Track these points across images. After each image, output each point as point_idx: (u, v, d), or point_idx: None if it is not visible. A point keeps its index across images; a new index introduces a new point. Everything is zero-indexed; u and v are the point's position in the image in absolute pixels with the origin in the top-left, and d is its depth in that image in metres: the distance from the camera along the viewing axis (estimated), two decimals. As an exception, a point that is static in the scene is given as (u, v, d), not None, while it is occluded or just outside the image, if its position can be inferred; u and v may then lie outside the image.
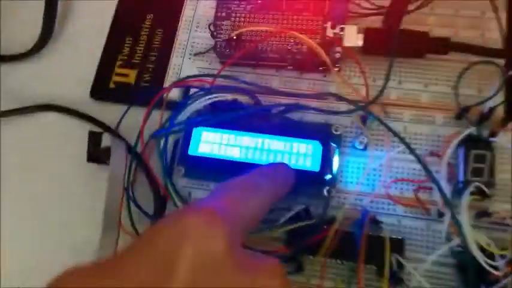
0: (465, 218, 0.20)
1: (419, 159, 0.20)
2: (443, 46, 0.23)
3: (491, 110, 0.22)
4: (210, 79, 0.24)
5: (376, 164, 0.23)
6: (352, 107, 0.23)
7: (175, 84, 0.24)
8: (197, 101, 0.23)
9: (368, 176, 0.23)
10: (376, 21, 0.25)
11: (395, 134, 0.21)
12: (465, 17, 0.25)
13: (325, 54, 0.23)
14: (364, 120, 0.23)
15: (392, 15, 0.22)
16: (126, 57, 0.28)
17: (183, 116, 0.24)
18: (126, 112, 0.25)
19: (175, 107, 0.24)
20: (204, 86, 0.24)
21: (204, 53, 0.26)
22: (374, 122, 0.23)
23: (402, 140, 0.21)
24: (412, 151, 0.21)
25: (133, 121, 0.25)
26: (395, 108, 0.24)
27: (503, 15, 0.25)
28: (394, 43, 0.22)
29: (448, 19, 0.25)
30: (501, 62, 0.23)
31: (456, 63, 0.24)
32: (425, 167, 0.20)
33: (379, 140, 0.23)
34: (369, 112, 0.22)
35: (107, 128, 0.25)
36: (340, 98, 0.23)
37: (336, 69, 0.25)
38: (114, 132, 0.25)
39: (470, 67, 0.22)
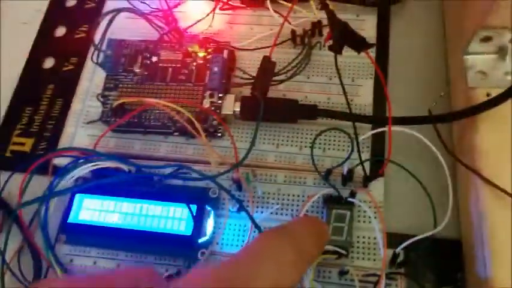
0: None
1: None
2: (312, 112, 0.25)
3: (349, 171, 0.23)
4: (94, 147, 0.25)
5: (248, 225, 0.24)
6: (221, 170, 0.24)
7: (59, 152, 0.26)
8: (80, 168, 0.24)
9: (243, 237, 0.24)
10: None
11: (237, 200, 0.23)
12: (337, 84, 0.27)
13: (198, 124, 0.24)
14: (237, 182, 0.24)
15: (257, 85, 0.24)
16: (24, 126, 0.29)
17: (65, 183, 0.24)
18: (8, 179, 0.25)
19: (56, 173, 0.25)
20: (89, 154, 0.25)
21: (95, 121, 0.27)
22: (251, 184, 0.25)
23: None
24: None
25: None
26: (271, 170, 0.25)
27: (370, 82, 0.27)
28: (260, 110, 0.24)
29: (322, 86, 0.27)
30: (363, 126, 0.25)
31: (326, 127, 0.26)
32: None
33: (254, 201, 0.25)
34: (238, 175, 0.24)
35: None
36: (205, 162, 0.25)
37: (219, 134, 0.26)
38: (2, 203, 0.25)
39: (331, 132, 0.24)
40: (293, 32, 0.28)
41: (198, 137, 0.26)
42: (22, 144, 0.28)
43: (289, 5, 0.28)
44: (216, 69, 0.26)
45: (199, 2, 0.29)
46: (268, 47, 0.27)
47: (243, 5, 0.30)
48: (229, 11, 0.30)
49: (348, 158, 0.23)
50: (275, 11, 0.28)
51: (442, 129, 0.23)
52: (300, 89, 0.27)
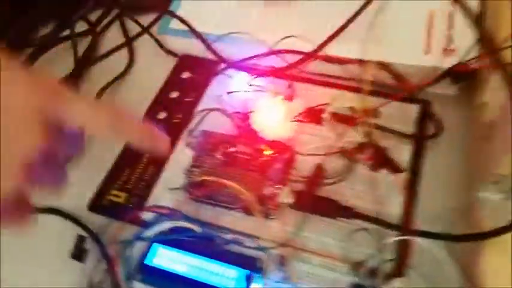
0: None
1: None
2: (349, 213, 0.32)
3: (376, 267, 0.29)
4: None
5: (286, 294, 0.29)
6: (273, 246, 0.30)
7: (148, 209, 0.33)
8: (161, 224, 0.31)
9: (280, 305, 0.29)
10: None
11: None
12: (372, 194, 0.34)
13: (257, 206, 0.31)
14: (281, 259, 0.30)
15: (309, 184, 0.31)
16: (122, 183, 0.37)
17: (149, 234, 0.31)
18: (109, 225, 0.33)
19: (145, 225, 0.32)
20: (170, 213, 0.33)
21: (178, 188, 0.35)
22: (289, 262, 0.31)
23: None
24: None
25: (114, 232, 0.33)
26: (309, 254, 0.31)
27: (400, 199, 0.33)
28: (308, 205, 0.30)
29: (359, 193, 0.34)
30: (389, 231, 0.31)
31: (360, 227, 0.32)
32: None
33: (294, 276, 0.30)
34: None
35: (91, 234, 0.33)
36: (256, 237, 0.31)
37: (272, 217, 0.33)
38: (96, 238, 0.32)
39: (363, 232, 0.30)
40: (343, 148, 0.36)
41: (255, 216, 0.33)
42: (118, 196, 0.36)
43: (343, 125, 0.36)
44: (278, 165, 0.34)
45: (273, 111, 0.38)
46: (321, 154, 0.34)
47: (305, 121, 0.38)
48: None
49: (374, 255, 0.28)
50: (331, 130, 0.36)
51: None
52: (343, 193, 0.34)
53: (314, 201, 0.31)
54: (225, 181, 0.33)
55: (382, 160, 0.29)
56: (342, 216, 0.32)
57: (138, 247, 0.32)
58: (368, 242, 0.31)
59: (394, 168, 0.28)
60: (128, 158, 0.38)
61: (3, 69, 0.20)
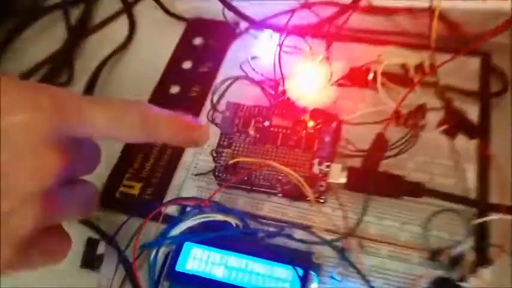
0: None
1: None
2: (417, 190, 0.26)
3: (461, 255, 0.23)
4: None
5: (351, 296, 0.24)
6: (331, 237, 0.24)
7: (172, 202, 0.27)
8: (191, 219, 0.26)
9: (343, 307, 0.24)
10: (357, 162, 0.28)
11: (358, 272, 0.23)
12: (440, 165, 0.28)
13: (308, 188, 0.25)
14: (342, 252, 0.25)
15: (370, 158, 0.25)
16: (135, 171, 0.31)
17: (176, 232, 0.25)
18: (124, 223, 0.27)
19: (170, 222, 0.26)
20: (199, 205, 0.27)
21: (204, 174, 0.29)
22: (353, 255, 0.25)
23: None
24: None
25: (132, 232, 0.27)
26: (374, 243, 0.26)
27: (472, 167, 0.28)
28: (370, 184, 0.25)
29: (425, 166, 0.28)
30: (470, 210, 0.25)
31: (431, 207, 0.26)
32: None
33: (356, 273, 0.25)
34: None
35: (104, 236, 0.27)
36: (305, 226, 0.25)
37: (321, 201, 0.27)
38: (111, 241, 0.27)
39: (438, 213, 0.25)
40: (397, 111, 0.30)
41: (305, 201, 0.27)
42: (131, 187, 0.30)
43: (395, 86, 0.30)
44: (327, 139, 0.28)
45: (309, 75, 0.32)
46: (374, 123, 0.28)
47: (350, 84, 0.32)
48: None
49: (460, 241, 0.23)
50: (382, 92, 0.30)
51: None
52: (403, 166, 0.28)
53: (374, 179, 0.25)
54: (264, 161, 0.27)
55: (458, 123, 0.23)
56: (410, 195, 0.26)
57: (164, 248, 0.26)
58: (446, 225, 0.26)
59: (473, 132, 0.22)
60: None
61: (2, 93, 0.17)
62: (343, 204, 0.27)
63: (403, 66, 0.32)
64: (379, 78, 0.29)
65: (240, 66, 0.33)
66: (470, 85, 0.31)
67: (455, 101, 0.30)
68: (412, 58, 0.32)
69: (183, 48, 0.37)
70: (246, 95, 0.31)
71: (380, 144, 0.25)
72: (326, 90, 0.31)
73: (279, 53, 0.30)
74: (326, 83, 0.31)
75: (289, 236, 0.26)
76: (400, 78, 0.31)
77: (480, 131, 0.29)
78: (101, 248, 0.26)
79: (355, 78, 0.32)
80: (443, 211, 0.25)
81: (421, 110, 0.30)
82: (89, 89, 0.35)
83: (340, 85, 0.32)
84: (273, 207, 0.28)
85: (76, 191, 0.21)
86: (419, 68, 0.32)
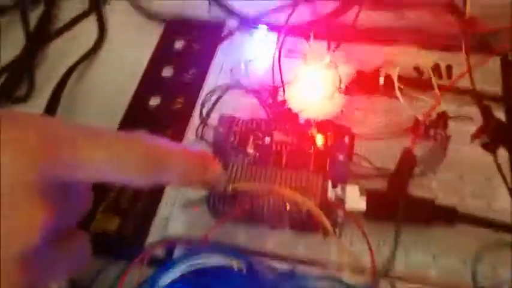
0: None
1: None
2: (450, 216, 0.22)
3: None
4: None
5: None
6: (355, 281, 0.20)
7: (162, 243, 0.22)
8: (183, 264, 0.21)
9: None
10: (375, 183, 0.24)
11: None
12: (469, 184, 0.24)
13: (325, 218, 0.21)
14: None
15: (398, 179, 0.21)
16: (111, 201, 0.26)
17: (165, 280, 0.21)
18: (100, 271, 0.22)
19: (158, 266, 0.21)
20: (192, 242, 0.22)
21: (195, 203, 0.24)
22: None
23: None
24: None
25: (110, 278, 0.22)
26: (403, 282, 0.22)
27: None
28: (400, 210, 0.21)
29: (452, 185, 0.24)
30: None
31: (466, 236, 0.22)
32: None
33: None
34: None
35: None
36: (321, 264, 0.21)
37: (337, 232, 0.23)
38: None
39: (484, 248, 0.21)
40: (417, 121, 0.26)
41: (315, 233, 0.23)
42: (108, 221, 0.25)
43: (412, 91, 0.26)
44: (341, 157, 0.23)
45: (313, 82, 0.28)
46: (389, 135, 0.25)
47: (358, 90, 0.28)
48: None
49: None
50: (398, 98, 0.26)
51: None
52: (426, 185, 0.24)
53: (404, 204, 0.21)
54: (267, 186, 0.22)
55: (501, 137, 0.19)
56: (440, 221, 0.22)
57: (151, 300, 0.21)
58: (484, 259, 0.22)
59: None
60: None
61: None
62: (367, 240, 0.22)
63: (416, 68, 0.28)
64: (396, 83, 0.25)
65: (231, 72, 0.29)
66: (489, 87, 0.27)
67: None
68: (426, 59, 0.28)
69: (163, 53, 0.32)
70: (239, 106, 0.27)
71: (407, 161, 0.21)
72: (332, 98, 0.27)
73: (279, 56, 0.26)
74: (334, 89, 0.26)
75: (305, 278, 0.21)
76: (415, 82, 0.27)
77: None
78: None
79: (364, 83, 0.28)
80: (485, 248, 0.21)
81: (443, 119, 0.26)
82: (52, 102, 0.30)
83: (346, 92, 0.28)
84: (278, 241, 0.23)
85: (64, 244, 0.16)
86: (435, 69, 0.28)
